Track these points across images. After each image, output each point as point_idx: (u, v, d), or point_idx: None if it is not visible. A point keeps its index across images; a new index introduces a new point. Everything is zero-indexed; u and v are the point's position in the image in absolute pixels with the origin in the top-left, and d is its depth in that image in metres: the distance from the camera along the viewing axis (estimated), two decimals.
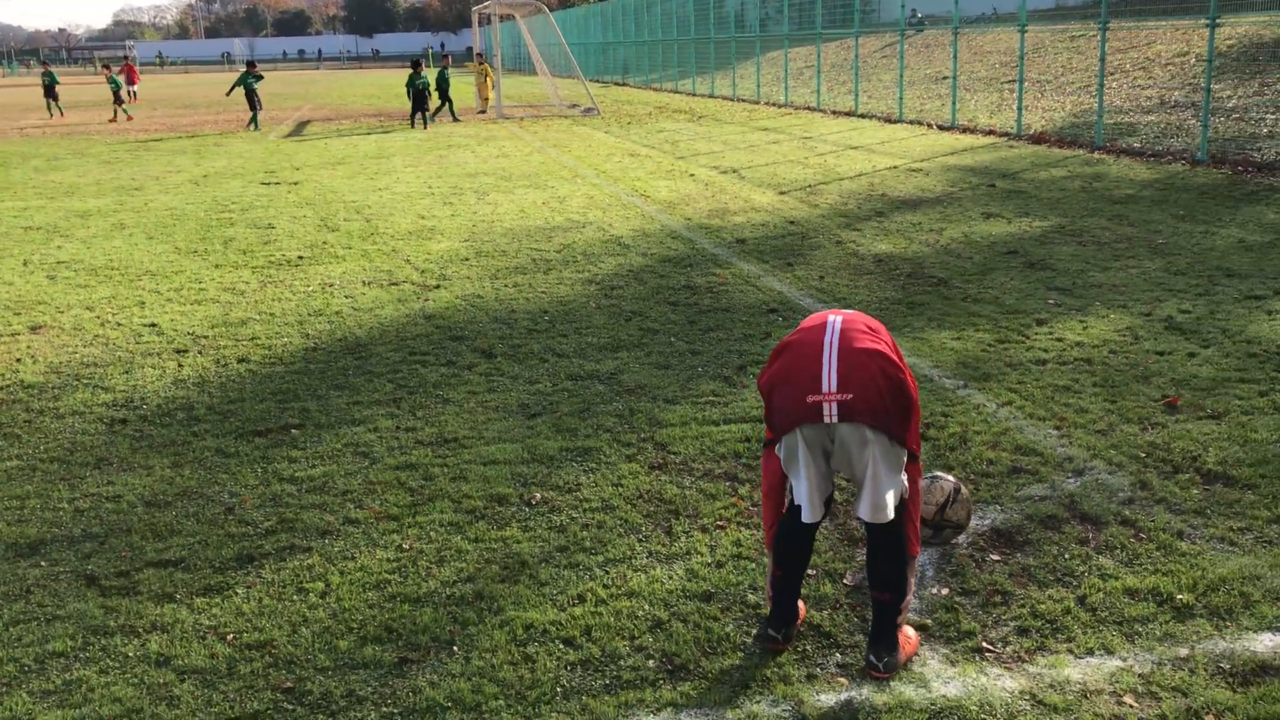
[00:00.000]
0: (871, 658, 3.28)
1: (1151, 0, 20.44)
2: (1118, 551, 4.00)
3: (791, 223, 11.23)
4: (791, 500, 3.39)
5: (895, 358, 3.22)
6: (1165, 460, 4.81)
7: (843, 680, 3.28)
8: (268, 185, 15.48)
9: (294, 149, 21.24)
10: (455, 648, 3.50)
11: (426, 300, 8.22)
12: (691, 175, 15.42)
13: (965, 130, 20.34)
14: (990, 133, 19.62)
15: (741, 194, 13.44)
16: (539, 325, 7.42)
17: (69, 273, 9.64)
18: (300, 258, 10.02)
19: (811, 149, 18.45)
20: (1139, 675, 3.24)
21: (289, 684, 3.33)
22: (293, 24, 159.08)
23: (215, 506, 4.65)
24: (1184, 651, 3.36)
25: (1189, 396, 5.62)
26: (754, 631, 3.54)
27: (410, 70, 26.82)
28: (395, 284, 8.82)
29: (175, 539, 4.35)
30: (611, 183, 14.81)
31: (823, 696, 3.19)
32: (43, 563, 4.19)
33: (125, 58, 51.01)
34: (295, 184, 15.53)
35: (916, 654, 3.39)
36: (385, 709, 3.19)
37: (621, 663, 3.40)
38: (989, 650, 3.41)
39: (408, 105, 27.16)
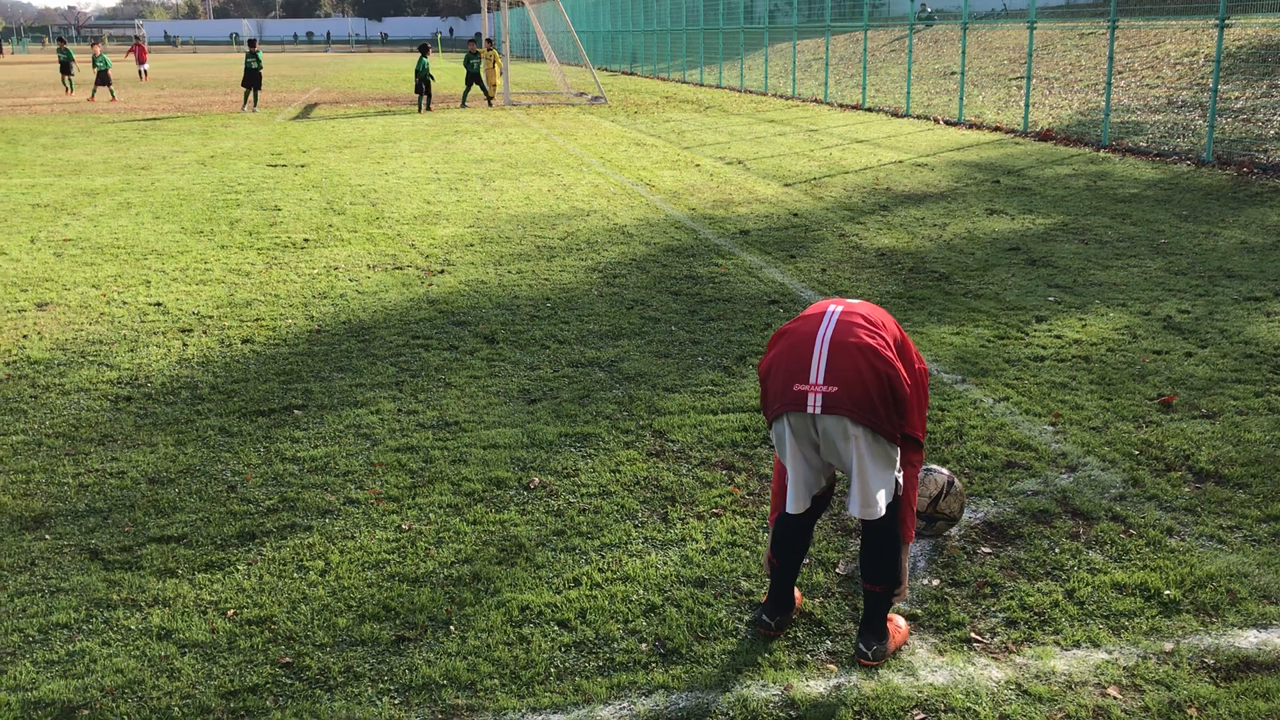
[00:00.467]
0: (861, 646, 3.34)
1: (1162, 0, 20.44)
2: (1107, 547, 4.05)
3: (795, 215, 11.26)
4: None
5: (890, 353, 3.22)
6: (1158, 458, 4.86)
7: (832, 667, 3.33)
8: (275, 167, 15.52)
9: (301, 131, 21.26)
10: (452, 627, 3.56)
11: (430, 285, 8.27)
12: (697, 166, 15.45)
13: (972, 126, 20.34)
14: (997, 129, 19.62)
15: (746, 185, 13.47)
16: (541, 312, 7.47)
17: (75, 251, 9.69)
18: (306, 240, 10.07)
19: (817, 142, 18.47)
20: (1124, 668, 3.30)
21: (288, 659, 3.39)
22: (301, 5, 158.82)
23: (218, 484, 4.71)
24: (1169, 646, 3.41)
25: (1184, 395, 5.66)
26: (746, 618, 3.60)
27: (418, 54, 26.89)
28: (400, 268, 8.87)
29: (178, 515, 4.41)
30: (617, 172, 14.84)
31: (812, 683, 3.25)
32: (47, 536, 4.25)
33: (135, 38, 51.02)
34: (302, 167, 15.57)
35: (906, 644, 3.45)
36: (382, 685, 3.25)
37: (615, 645, 3.45)
38: (977, 641, 3.46)
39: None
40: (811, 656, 3.39)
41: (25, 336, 6.98)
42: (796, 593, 3.61)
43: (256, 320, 7.31)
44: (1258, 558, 3.95)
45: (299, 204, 12.19)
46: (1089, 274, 8.44)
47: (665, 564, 3.96)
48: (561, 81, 33.93)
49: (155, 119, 24.49)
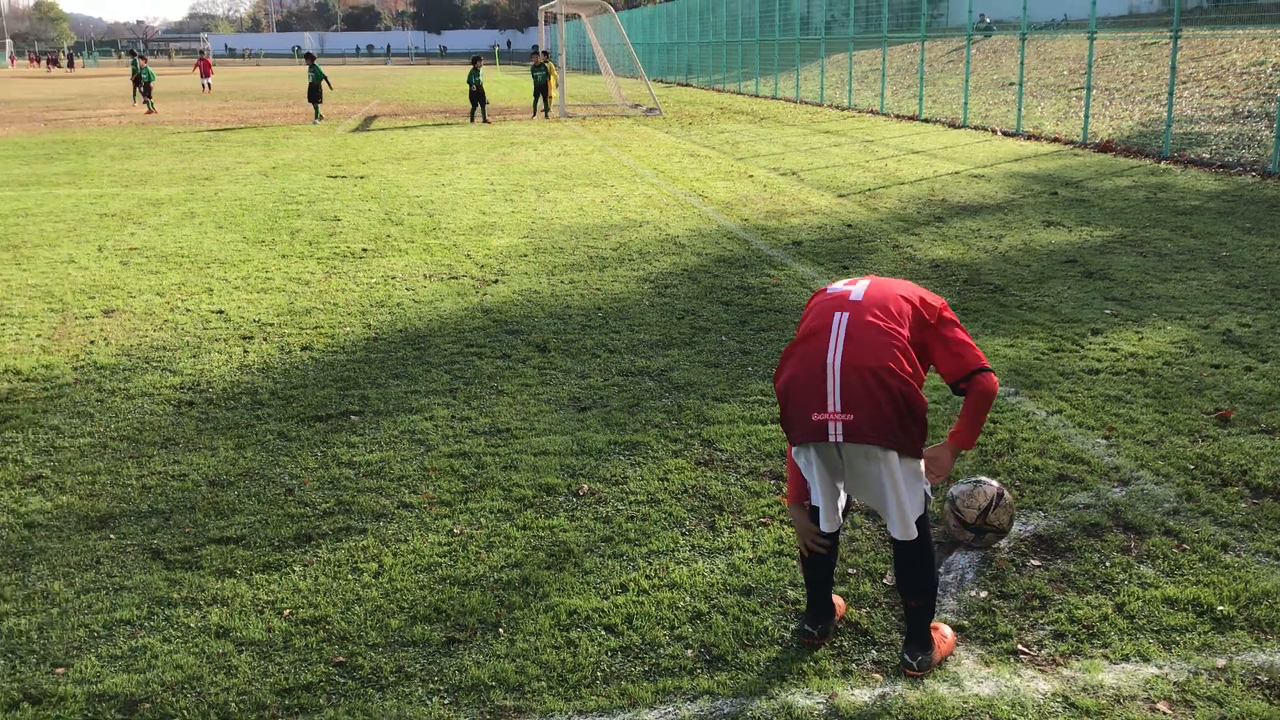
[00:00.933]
0: (906, 656, 3.34)
1: (1228, 9, 20.09)
2: (1159, 561, 4.01)
3: (849, 226, 11.24)
4: (811, 502, 3.41)
5: (903, 360, 3.11)
6: (1214, 473, 4.80)
7: (878, 676, 3.34)
8: (335, 178, 15.78)
9: (361, 143, 21.60)
10: (501, 630, 3.62)
11: (485, 294, 8.37)
12: (750, 176, 15.47)
13: (1030, 137, 20.14)
14: (1055, 140, 19.42)
15: (800, 196, 13.46)
16: (592, 321, 7.54)
17: (141, 259, 9.94)
18: (364, 250, 10.24)
19: (873, 152, 18.40)
20: (1174, 683, 3.27)
21: (341, 659, 3.47)
22: (362, 19, 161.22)
23: (276, 487, 4.82)
24: (1221, 662, 3.37)
25: (1243, 410, 5.58)
26: (792, 626, 3.62)
27: (470, 67, 27.28)
28: (455, 278, 8.99)
29: (237, 517, 4.52)
30: (670, 182, 14.90)
31: (857, 691, 3.26)
32: (112, 535, 4.38)
33: (200, 52, 52.21)
34: (361, 178, 15.82)
35: (952, 654, 3.44)
36: (432, 685, 3.32)
37: (661, 651, 3.49)
38: (1024, 652, 3.45)
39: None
40: (856, 665, 3.40)
41: (93, 342, 7.18)
42: (838, 600, 3.63)
43: (315, 328, 7.45)
44: None
45: (358, 214, 12.39)
46: (1147, 287, 8.33)
47: (712, 571, 3.99)
48: (617, 93, 34.10)
49: (219, 130, 25.00)
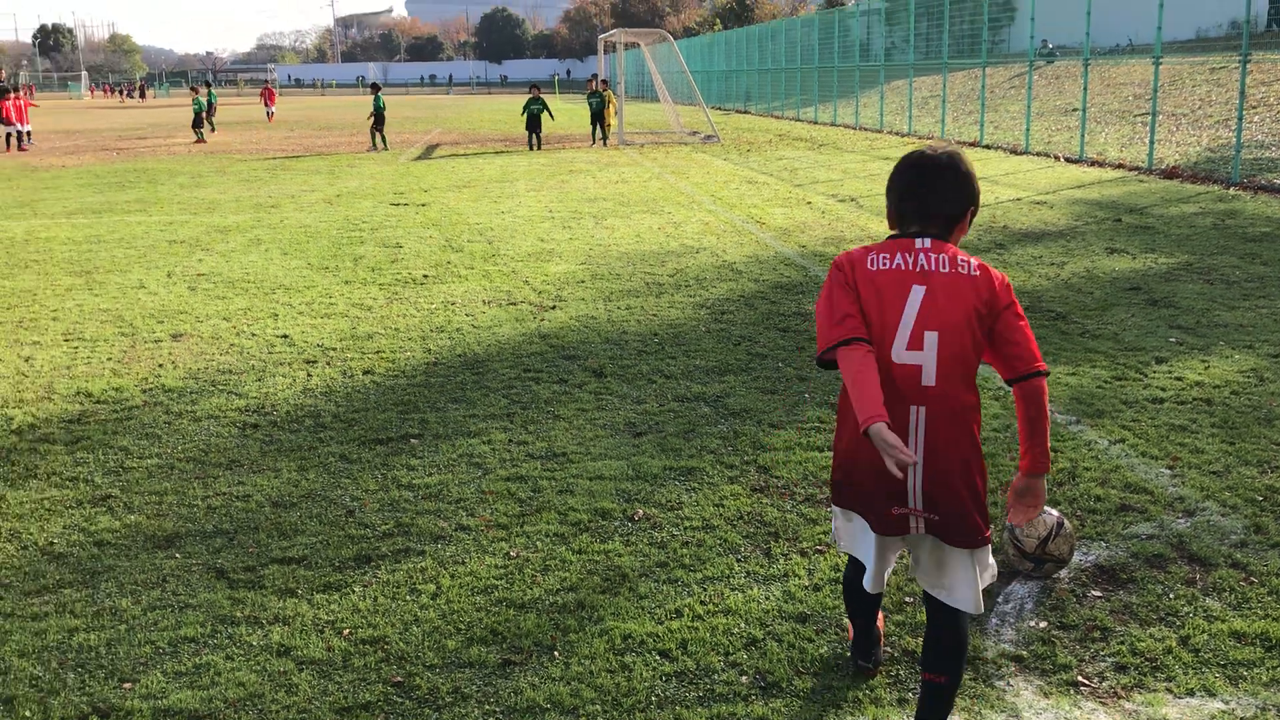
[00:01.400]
0: None
1: None
2: (1226, 594, 3.93)
3: None
4: (852, 556, 3.25)
5: (976, 434, 2.90)
6: None
7: None
8: (397, 206, 16.03)
9: (423, 171, 21.92)
10: (556, 653, 3.64)
11: (542, 320, 8.45)
12: (808, 203, 15.45)
13: (1094, 163, 19.91)
14: (1120, 166, 19.17)
15: (858, 223, 13.42)
16: (649, 347, 7.57)
17: (208, 284, 10.17)
18: (425, 276, 10.39)
19: None
20: (1240, 719, 3.20)
21: (399, 678, 3.51)
22: (425, 49, 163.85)
23: (337, 509, 4.89)
24: None
25: None
26: (848, 654, 3.59)
27: (529, 95, 27.75)
28: (513, 304, 9.08)
29: (299, 538, 4.60)
30: (727, 209, 14.93)
31: None
32: (177, 555, 4.47)
33: (265, 82, 53.71)
34: (423, 205, 16.05)
35: (1009, 684, 3.39)
36: (488, 707, 3.34)
37: (715, 677, 3.49)
38: (1084, 684, 3.40)
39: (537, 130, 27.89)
40: (913, 694, 3.37)
41: (161, 365, 7.35)
42: (880, 618, 3.58)
43: (377, 352, 7.57)
44: None
45: (419, 241, 12.57)
46: (1213, 315, 8.19)
47: (767, 598, 3.98)
48: (675, 120, 34.28)
49: (285, 159, 25.52)
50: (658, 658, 3.60)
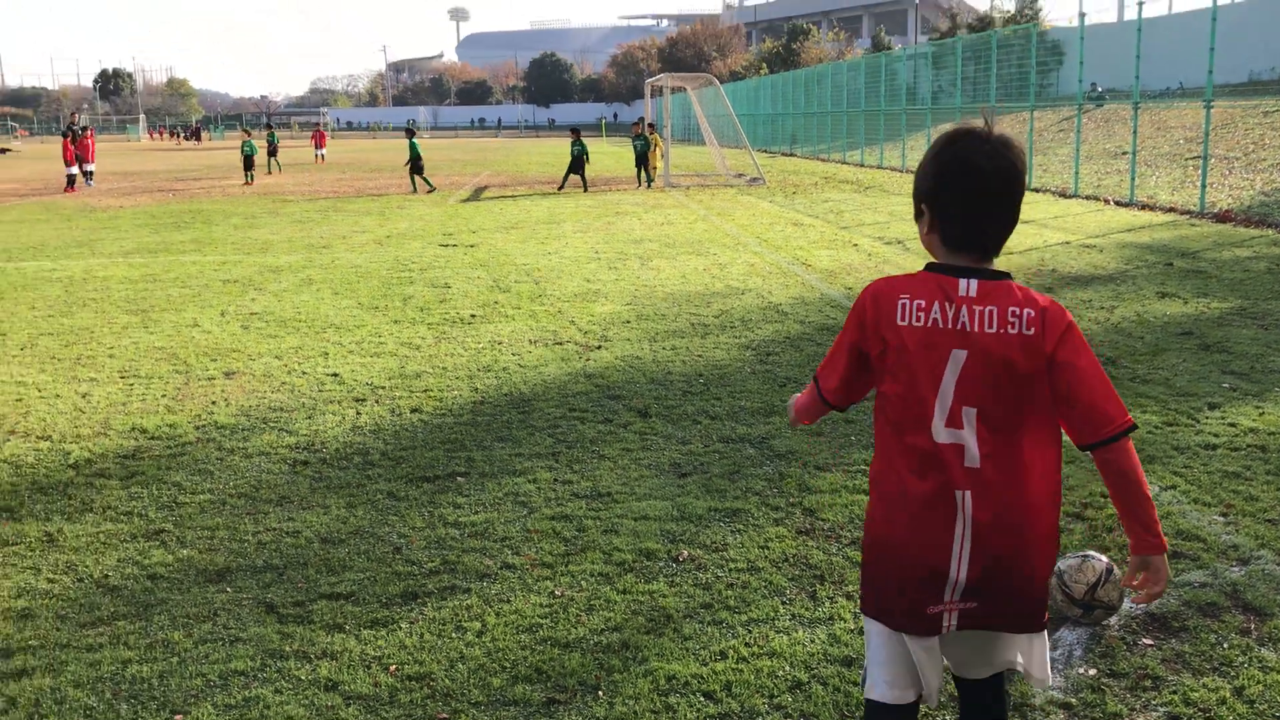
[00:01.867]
0: None
1: None
2: None
3: None
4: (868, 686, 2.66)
5: (1057, 484, 2.46)
6: None
7: None
8: (446, 247, 16.24)
9: (471, 213, 22.20)
10: (600, 692, 3.65)
11: (588, 360, 8.50)
12: (855, 245, 15.46)
13: (1144, 207, 19.74)
14: (1171, 210, 18.99)
15: (905, 265, 13.39)
16: (694, 387, 7.59)
17: (260, 323, 10.35)
18: (473, 316, 10.50)
19: None
20: None
21: (444, 715, 3.53)
22: (474, 93, 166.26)
23: (384, 546, 4.94)
24: None
25: None
26: None
27: (572, 138, 28.21)
28: (559, 343, 9.16)
29: (347, 574, 4.65)
30: (773, 251, 14.97)
31: None
32: (228, 589, 4.54)
33: (316, 124, 55.06)
34: (471, 246, 16.25)
35: None
36: None
37: (759, 719, 3.47)
38: None
39: (586, 174, 28.26)
40: None
41: (214, 403, 7.48)
42: None
43: (425, 391, 7.66)
44: None
45: (467, 282, 12.72)
46: (1268, 360, 8.07)
47: (812, 641, 3.97)
48: (720, 163, 34.47)
49: (337, 200, 25.95)
50: (702, 699, 3.60)
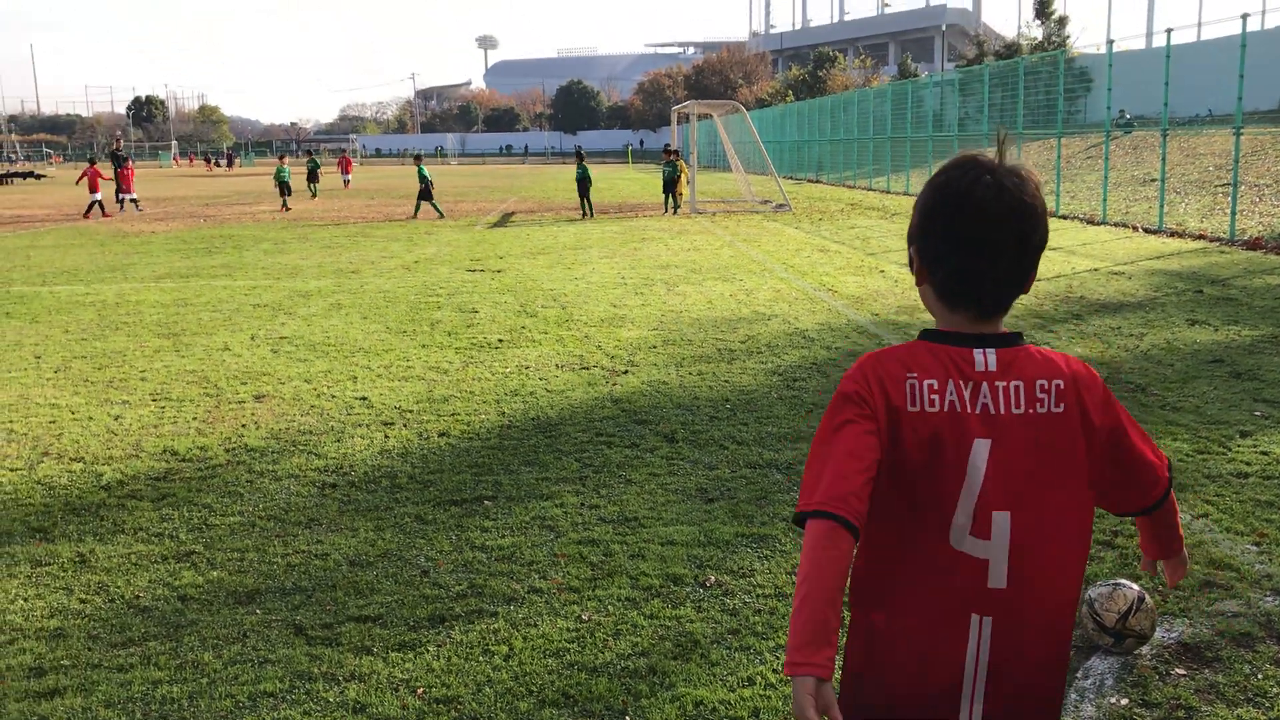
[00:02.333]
0: None
1: None
2: None
3: None
4: None
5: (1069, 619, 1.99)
6: None
7: None
8: (473, 272, 16.34)
9: (498, 239, 22.33)
10: (628, 718, 3.64)
11: (615, 385, 8.52)
12: (881, 272, 15.44)
13: (1173, 234, 19.62)
14: (1200, 237, 18.87)
15: None
16: (720, 413, 7.59)
17: (290, 347, 10.43)
18: (500, 341, 10.55)
19: None
20: None
21: None
22: (502, 120, 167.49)
23: (412, 569, 4.96)
24: None
25: None
26: None
27: (576, 161, 28.79)
28: (586, 368, 9.18)
29: (375, 596, 4.67)
30: (799, 277, 14.97)
31: None
32: (258, 610, 4.57)
33: (342, 150, 55.96)
34: (498, 272, 16.34)
35: None
36: None
37: None
38: None
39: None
40: None
41: (244, 426, 7.54)
42: None
43: (452, 415, 7.69)
44: None
45: (494, 306, 12.79)
46: None
47: (841, 669, 3.94)
48: (746, 190, 34.55)
49: (365, 226, 26.17)
50: None
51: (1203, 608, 4.37)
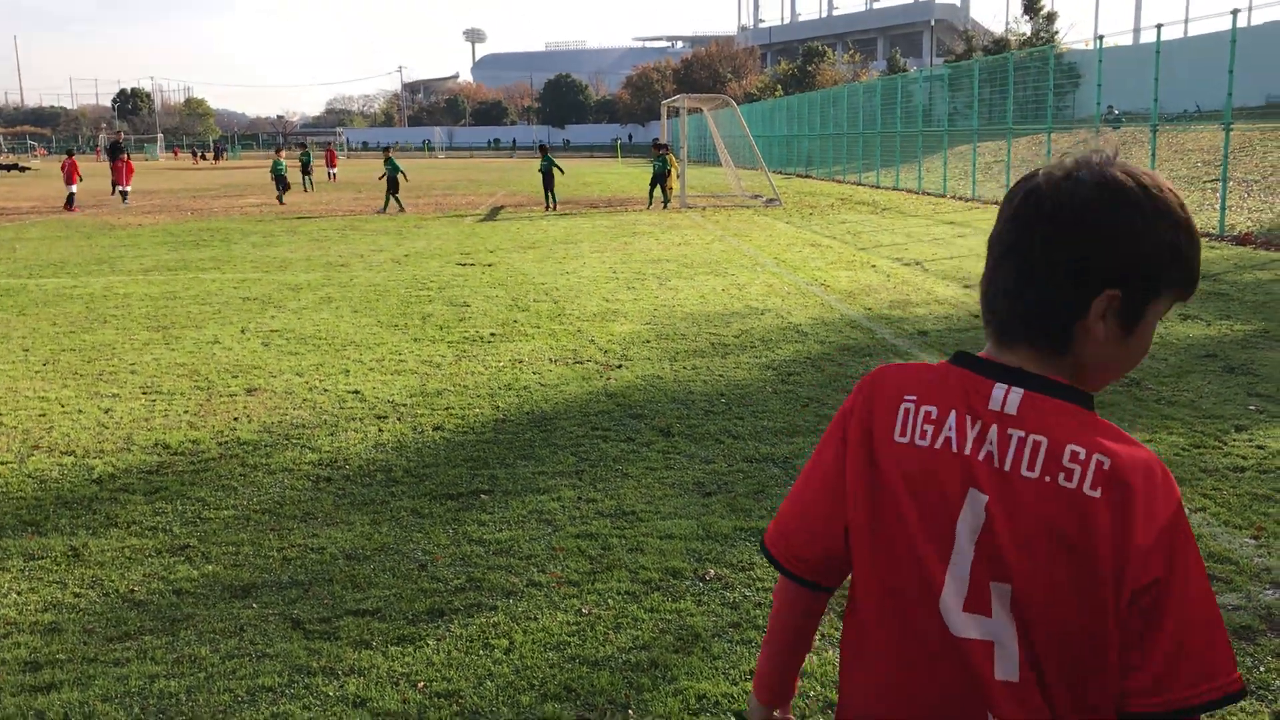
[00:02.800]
0: None
1: None
2: None
3: (976, 316, 11.10)
4: None
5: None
6: None
7: None
8: (464, 266, 16.28)
9: (488, 232, 22.26)
10: (631, 711, 3.62)
11: (609, 379, 8.50)
12: (873, 266, 15.44)
13: None
14: None
15: (924, 286, 13.37)
16: (715, 407, 7.57)
17: (281, 340, 10.37)
18: (492, 335, 10.51)
19: None
20: None
21: None
22: (490, 114, 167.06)
23: (409, 563, 4.93)
24: None
25: None
26: None
27: (540, 155, 29.13)
28: (580, 362, 9.15)
29: (373, 590, 4.63)
30: (791, 271, 14.96)
31: None
32: (254, 605, 4.53)
33: (328, 143, 56.09)
34: (489, 266, 16.29)
35: None
36: None
37: None
38: None
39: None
40: None
41: (236, 419, 7.49)
42: None
43: (446, 409, 7.66)
44: None
45: (486, 300, 12.75)
46: None
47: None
48: (736, 184, 34.53)
49: (354, 219, 26.06)
50: (733, 719, 3.56)
51: None
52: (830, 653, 3.99)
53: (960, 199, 29.61)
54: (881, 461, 1.54)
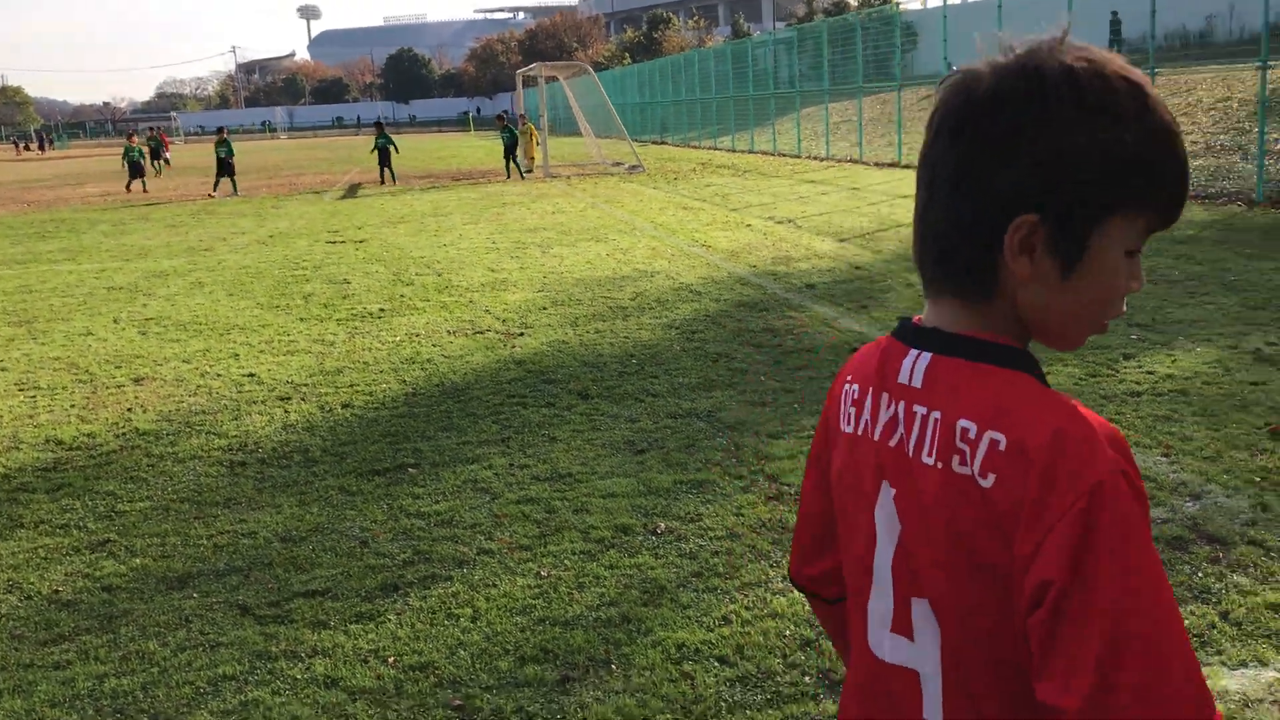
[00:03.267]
0: None
1: (1196, 47, 20.60)
2: (1251, 569, 4.05)
3: (857, 268, 11.36)
4: None
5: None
6: None
7: None
8: (334, 244, 15.83)
9: (352, 209, 21.69)
10: (613, 666, 3.60)
11: (513, 347, 8.40)
12: (748, 226, 15.63)
13: None
14: None
15: (801, 242, 13.60)
16: (628, 368, 7.57)
17: (159, 328, 9.92)
18: (381, 310, 10.26)
19: (862, 198, 18.64)
20: None
21: (459, 701, 3.44)
22: (330, 91, 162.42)
23: (349, 540, 4.79)
24: None
25: None
26: None
27: (376, 133, 28.84)
28: (479, 332, 9.01)
29: (317, 570, 4.49)
30: (670, 234, 15.03)
31: None
32: (194, 594, 4.34)
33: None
34: (361, 242, 15.87)
35: None
36: None
37: (779, 679, 3.48)
38: None
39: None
40: None
41: (129, 410, 7.14)
42: None
43: (351, 386, 7.45)
44: None
45: (366, 276, 12.43)
46: (1166, 312, 8.45)
47: None
48: (597, 152, 34.46)
49: (206, 203, 25.04)
50: (717, 664, 3.58)
51: None
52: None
53: (815, 159, 30.21)
54: (833, 455, 1.34)
